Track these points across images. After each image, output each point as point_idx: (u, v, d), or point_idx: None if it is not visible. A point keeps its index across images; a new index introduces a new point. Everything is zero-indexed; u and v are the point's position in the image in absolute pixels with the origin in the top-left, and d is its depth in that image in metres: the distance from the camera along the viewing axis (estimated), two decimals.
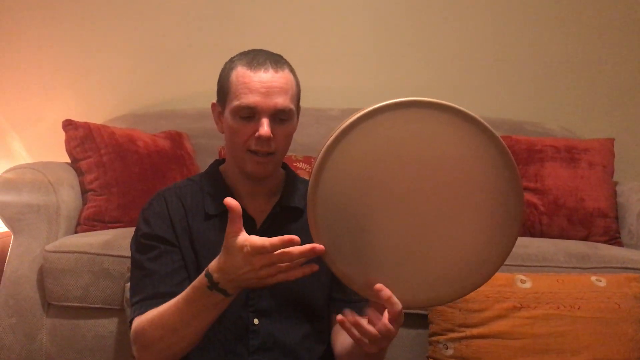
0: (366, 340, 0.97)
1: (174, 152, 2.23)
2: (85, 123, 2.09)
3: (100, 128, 2.11)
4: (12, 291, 1.79)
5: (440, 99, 0.95)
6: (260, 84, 1.15)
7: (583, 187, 2.22)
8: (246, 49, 1.23)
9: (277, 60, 1.18)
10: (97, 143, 2.05)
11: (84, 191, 2.02)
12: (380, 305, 0.97)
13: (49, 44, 2.63)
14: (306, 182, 1.31)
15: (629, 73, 2.71)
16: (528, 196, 2.23)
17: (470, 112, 0.94)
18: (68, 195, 1.92)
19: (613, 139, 2.39)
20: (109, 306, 1.74)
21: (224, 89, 1.21)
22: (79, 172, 2.04)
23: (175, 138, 2.31)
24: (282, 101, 1.15)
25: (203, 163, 2.32)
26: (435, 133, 0.94)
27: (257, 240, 0.94)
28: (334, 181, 0.95)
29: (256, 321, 1.18)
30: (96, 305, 1.75)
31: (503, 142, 0.94)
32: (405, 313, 0.98)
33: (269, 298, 1.18)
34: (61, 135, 2.07)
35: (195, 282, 1.02)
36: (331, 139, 0.94)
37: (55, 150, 2.28)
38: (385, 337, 0.96)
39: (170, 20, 2.65)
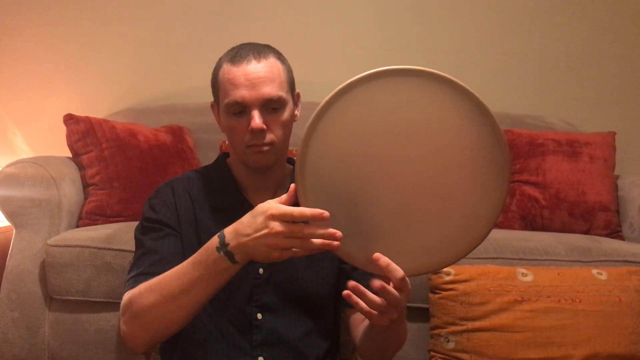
0: (375, 312, 0.97)
1: (175, 146, 2.23)
2: (87, 117, 2.09)
3: (101, 122, 2.11)
4: (14, 285, 1.80)
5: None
6: (244, 77, 1.14)
7: (584, 181, 2.22)
8: (245, 42, 1.22)
9: (259, 51, 1.17)
10: (98, 137, 2.05)
11: (85, 185, 2.02)
12: (385, 277, 0.97)
13: (49, 39, 2.63)
14: None
15: (630, 67, 2.71)
16: (529, 190, 2.23)
17: (441, 73, 0.95)
18: (69, 190, 1.92)
19: (614, 133, 2.39)
20: (111, 300, 1.74)
21: (215, 89, 1.22)
22: (81, 167, 2.04)
23: (177, 132, 2.31)
24: (269, 90, 1.14)
25: (204, 157, 2.32)
26: (412, 99, 0.95)
27: (286, 206, 0.94)
28: (320, 162, 0.95)
29: (260, 316, 1.17)
30: (98, 299, 1.76)
31: (478, 97, 0.95)
32: (407, 307, 0.99)
33: (273, 293, 1.18)
34: (62, 130, 2.07)
35: (206, 244, 1.01)
36: (310, 119, 0.95)
37: (57, 145, 2.28)
38: (393, 305, 0.96)
39: (171, 15, 2.65)
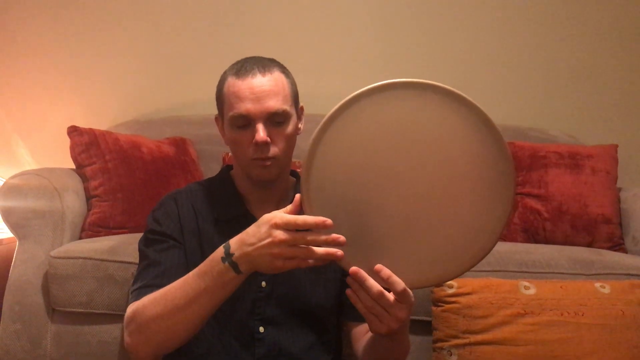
0: (372, 317, 0.97)
1: (178, 158, 2.24)
2: (90, 129, 2.10)
3: (105, 134, 2.12)
4: (17, 297, 1.80)
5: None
6: (249, 90, 1.15)
7: (587, 193, 2.22)
8: (250, 56, 1.23)
9: (264, 65, 1.18)
10: (101, 149, 2.06)
11: (88, 197, 2.02)
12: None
13: (53, 50, 2.65)
14: None
15: (633, 79, 2.71)
16: (531, 202, 2.23)
17: (445, 86, 0.96)
18: (73, 201, 1.93)
19: (616, 145, 2.39)
20: (113, 312, 1.74)
21: (219, 102, 1.22)
22: (84, 178, 2.04)
23: (180, 144, 2.31)
24: (274, 104, 1.15)
25: (207, 169, 2.33)
26: (417, 111, 0.96)
27: (289, 214, 0.95)
28: (325, 172, 0.96)
29: (262, 329, 1.17)
30: (101, 311, 1.75)
31: (482, 109, 0.96)
32: (409, 319, 0.98)
33: (275, 306, 1.18)
34: (66, 142, 2.08)
35: (211, 255, 1.02)
36: (316, 131, 0.96)
37: (60, 156, 2.29)
38: (392, 314, 0.96)
39: (174, 27, 2.66)
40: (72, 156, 2.07)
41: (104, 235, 1.95)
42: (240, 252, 0.97)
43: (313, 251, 0.94)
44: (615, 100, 2.71)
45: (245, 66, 1.18)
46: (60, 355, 1.78)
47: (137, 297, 1.13)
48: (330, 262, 0.96)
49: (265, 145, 1.15)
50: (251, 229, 0.97)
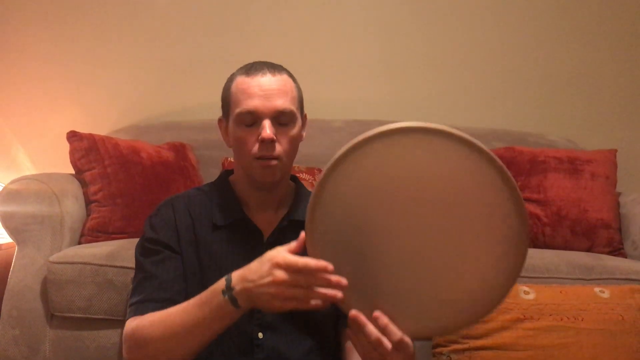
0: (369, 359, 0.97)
1: (177, 163, 2.24)
2: (90, 134, 2.10)
3: (104, 139, 2.12)
4: (15, 302, 1.79)
5: (445, 120, 0.96)
6: (258, 87, 1.16)
7: (586, 198, 2.22)
8: (250, 61, 1.24)
9: (274, 66, 1.20)
10: (101, 154, 2.06)
11: (88, 202, 2.02)
12: None
13: (53, 56, 2.65)
14: None
15: (632, 84, 2.72)
16: (531, 207, 2.23)
17: (462, 134, 0.89)
18: (72, 206, 1.93)
19: (616, 150, 2.40)
20: (112, 317, 1.74)
21: (226, 101, 1.22)
22: (83, 183, 2.04)
23: (179, 149, 2.32)
24: (282, 103, 1.16)
25: (207, 174, 2.33)
26: (429, 157, 0.91)
27: (292, 255, 0.94)
28: (330, 214, 0.93)
29: (260, 335, 1.17)
30: (100, 317, 1.75)
31: (500, 161, 0.90)
32: None
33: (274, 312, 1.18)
34: (65, 147, 2.08)
35: (213, 285, 1.02)
36: (324, 170, 0.93)
37: (60, 162, 2.28)
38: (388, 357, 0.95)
39: (174, 33, 2.67)
40: (71, 161, 2.07)
41: (103, 240, 1.95)
42: (241, 287, 0.97)
43: (313, 293, 0.93)
44: (615, 105, 2.72)
45: (255, 66, 1.19)
46: None
47: (136, 312, 1.13)
48: (331, 304, 0.95)
49: (271, 142, 1.15)
50: (254, 265, 0.97)
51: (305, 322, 1.20)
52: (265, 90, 1.16)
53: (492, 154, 0.90)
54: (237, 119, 1.18)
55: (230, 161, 2.28)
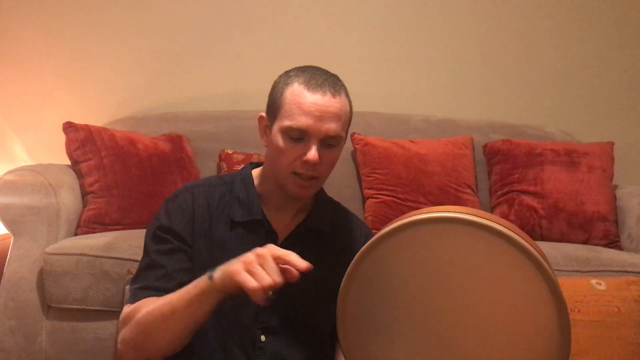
0: None
1: (174, 154, 2.24)
2: (86, 125, 2.10)
3: (100, 131, 2.11)
4: (11, 293, 1.79)
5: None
6: (314, 106, 1.11)
7: (583, 191, 2.23)
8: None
9: (335, 83, 1.15)
10: (97, 145, 2.05)
11: (84, 193, 2.02)
12: None
13: (49, 46, 2.64)
14: (335, 203, 1.31)
15: (629, 77, 2.72)
16: (528, 200, 2.23)
17: (502, 229, 0.86)
18: (68, 198, 1.92)
19: (613, 143, 2.40)
20: (108, 308, 1.74)
21: (276, 104, 1.16)
22: (79, 175, 2.04)
23: (176, 141, 2.31)
24: (334, 127, 1.12)
25: (203, 166, 2.32)
26: (467, 249, 0.88)
27: (279, 249, 0.95)
28: (362, 296, 0.94)
29: (263, 338, 1.16)
30: (96, 308, 1.75)
31: (536, 254, 0.86)
32: None
33: (278, 316, 1.17)
34: (62, 138, 2.07)
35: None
36: (366, 245, 0.93)
37: (56, 153, 2.28)
38: None
39: (171, 24, 2.66)
40: (67, 152, 2.07)
41: (100, 231, 1.95)
42: (223, 267, 0.98)
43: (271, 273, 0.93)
44: (612, 98, 2.72)
45: (317, 78, 1.14)
46: (55, 351, 1.78)
47: (134, 298, 1.13)
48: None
49: (314, 165, 1.13)
50: (242, 256, 0.98)
51: (308, 330, 1.19)
52: (322, 112, 1.11)
53: (528, 246, 0.87)
54: (285, 130, 1.13)
55: (227, 153, 2.28)
